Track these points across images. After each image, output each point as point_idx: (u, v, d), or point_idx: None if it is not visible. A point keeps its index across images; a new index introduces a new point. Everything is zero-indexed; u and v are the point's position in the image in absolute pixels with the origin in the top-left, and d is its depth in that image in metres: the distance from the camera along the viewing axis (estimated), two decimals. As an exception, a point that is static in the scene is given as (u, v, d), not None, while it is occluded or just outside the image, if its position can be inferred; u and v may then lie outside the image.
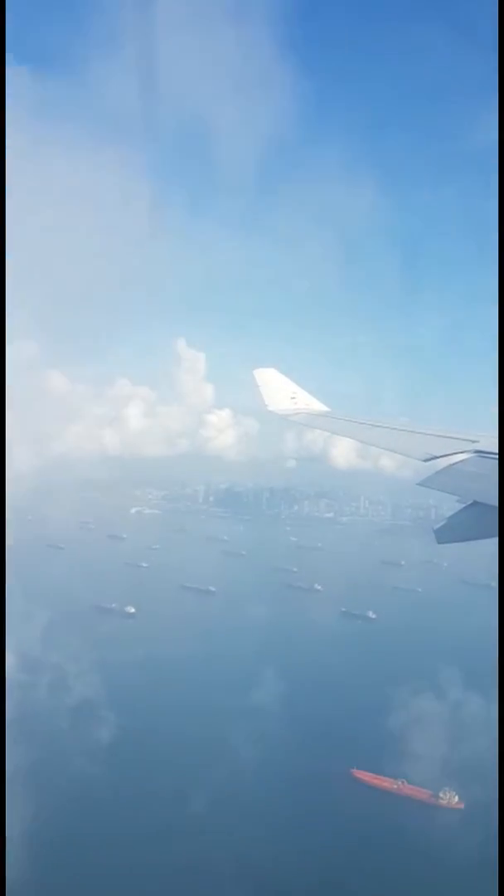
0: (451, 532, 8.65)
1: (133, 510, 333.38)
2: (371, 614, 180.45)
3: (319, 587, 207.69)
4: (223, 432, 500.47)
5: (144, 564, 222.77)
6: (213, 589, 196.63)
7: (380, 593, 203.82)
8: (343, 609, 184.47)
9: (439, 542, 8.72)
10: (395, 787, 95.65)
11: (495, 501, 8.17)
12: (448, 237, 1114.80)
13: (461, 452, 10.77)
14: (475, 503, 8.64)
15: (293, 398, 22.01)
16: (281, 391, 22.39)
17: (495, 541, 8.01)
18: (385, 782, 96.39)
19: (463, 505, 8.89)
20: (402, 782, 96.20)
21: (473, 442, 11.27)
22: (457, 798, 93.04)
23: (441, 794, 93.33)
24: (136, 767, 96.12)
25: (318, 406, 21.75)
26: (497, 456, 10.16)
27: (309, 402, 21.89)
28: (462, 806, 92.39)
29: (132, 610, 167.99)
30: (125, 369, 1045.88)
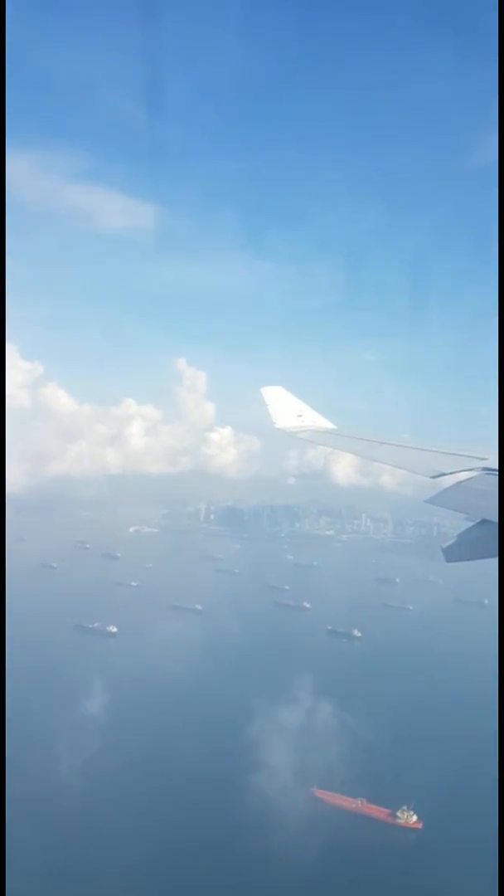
0: (460, 551, 8.42)
1: (132, 529, 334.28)
2: (356, 632, 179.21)
3: (308, 605, 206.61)
4: (225, 450, 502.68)
5: (134, 583, 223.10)
6: (199, 607, 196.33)
7: (370, 611, 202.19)
8: (329, 627, 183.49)
9: (448, 561, 8.49)
10: (355, 806, 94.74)
11: None
12: (454, 253, 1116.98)
13: (469, 470, 10.66)
14: (484, 521, 8.45)
15: (300, 416, 22.28)
16: (288, 409, 22.55)
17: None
18: (345, 802, 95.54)
19: (471, 523, 8.73)
20: (362, 801, 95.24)
21: (482, 459, 11.16)
22: (415, 817, 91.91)
23: (399, 813, 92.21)
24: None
25: (324, 423, 22.01)
26: None
27: (316, 420, 22.14)
28: (420, 826, 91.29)
29: (114, 629, 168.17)
30: (131, 388, 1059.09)
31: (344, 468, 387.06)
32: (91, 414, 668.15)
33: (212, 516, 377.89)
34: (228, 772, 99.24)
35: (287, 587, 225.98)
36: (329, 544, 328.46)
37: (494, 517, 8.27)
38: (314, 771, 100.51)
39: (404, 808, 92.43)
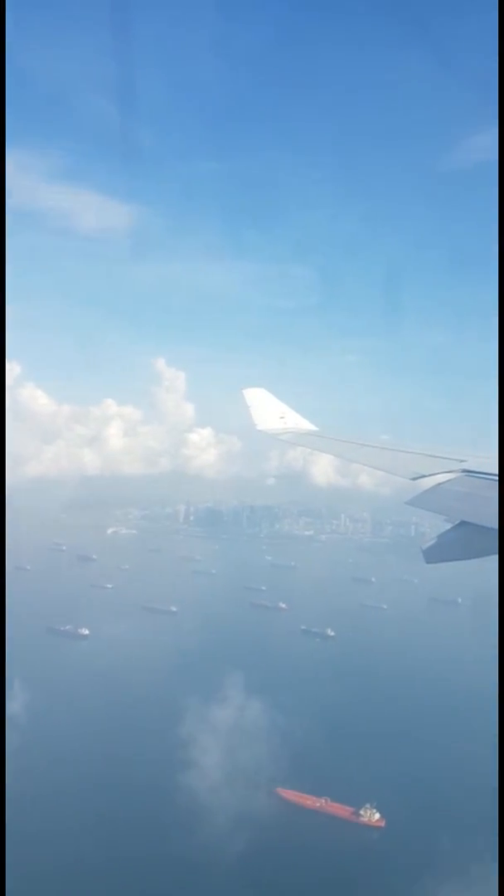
0: (440, 552, 8.51)
1: (109, 531, 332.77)
2: (330, 632, 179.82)
3: (284, 605, 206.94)
4: (205, 451, 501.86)
5: (109, 585, 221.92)
6: (174, 609, 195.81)
7: (345, 611, 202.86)
8: (303, 627, 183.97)
9: (428, 563, 8.54)
10: (319, 805, 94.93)
11: (484, 521, 8.18)
12: (433, 253, 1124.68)
13: (449, 472, 10.72)
14: (463, 523, 8.55)
15: (282, 418, 22.27)
16: (270, 411, 22.58)
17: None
18: (309, 800, 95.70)
19: (451, 525, 8.80)
20: (326, 800, 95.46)
21: (461, 461, 11.24)
22: (377, 815, 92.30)
23: (362, 812, 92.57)
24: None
25: (306, 425, 22.01)
26: (486, 476, 10.08)
27: (298, 422, 22.14)
28: (383, 824, 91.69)
29: (86, 632, 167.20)
30: (111, 389, 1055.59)
31: (323, 469, 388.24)
32: (70, 414, 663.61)
33: (191, 517, 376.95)
34: (174, 772, 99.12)
35: (264, 588, 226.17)
36: (308, 544, 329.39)
37: (473, 519, 8.42)
38: (264, 769, 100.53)
39: (367, 806, 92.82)
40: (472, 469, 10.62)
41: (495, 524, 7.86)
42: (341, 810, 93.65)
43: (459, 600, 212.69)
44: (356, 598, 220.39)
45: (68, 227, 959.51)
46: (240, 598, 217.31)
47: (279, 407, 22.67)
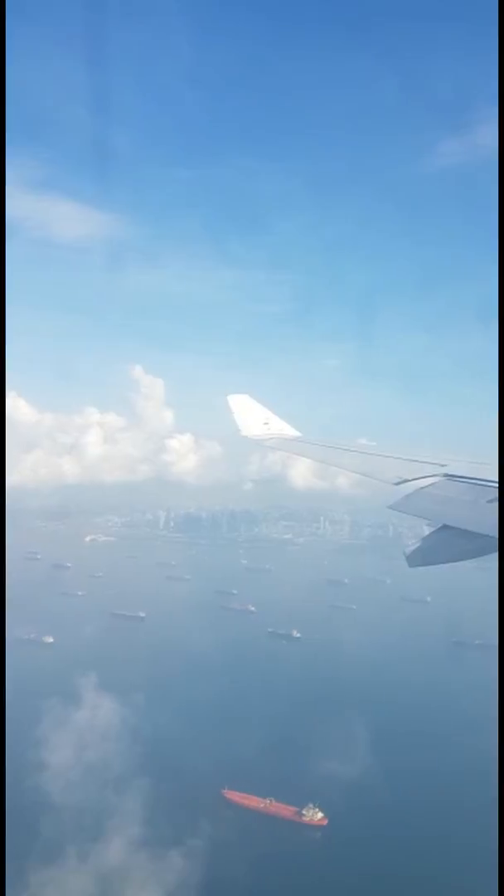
0: (422, 556, 8.66)
1: (88, 538, 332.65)
2: (296, 633, 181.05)
3: (253, 608, 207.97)
4: (185, 457, 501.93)
5: (80, 593, 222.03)
6: (142, 615, 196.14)
7: (315, 612, 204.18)
8: (270, 629, 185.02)
9: (410, 566, 8.68)
10: (263, 805, 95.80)
11: (465, 525, 8.33)
12: (414, 257, 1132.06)
13: (431, 476, 10.89)
14: (445, 527, 8.67)
15: (266, 424, 22.58)
16: (254, 417, 22.83)
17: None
18: (254, 801, 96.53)
19: (432, 528, 8.90)
20: (271, 801, 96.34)
21: (442, 466, 11.38)
22: (320, 814, 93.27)
23: (304, 811, 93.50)
24: None
25: (290, 431, 22.39)
26: (467, 480, 10.24)
27: (282, 428, 22.51)
28: (325, 822, 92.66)
29: (50, 640, 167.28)
30: (93, 396, 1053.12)
31: (302, 472, 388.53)
32: (52, 423, 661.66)
33: (171, 524, 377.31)
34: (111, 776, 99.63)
35: (235, 591, 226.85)
36: (285, 548, 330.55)
37: (455, 523, 8.61)
38: (204, 770, 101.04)
39: (310, 805, 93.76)
40: (453, 473, 10.81)
41: (477, 528, 8.13)
42: (285, 810, 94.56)
43: (428, 599, 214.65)
44: (327, 599, 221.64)
45: (46, 236, 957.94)
46: (210, 602, 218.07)
47: (263, 413, 23.04)
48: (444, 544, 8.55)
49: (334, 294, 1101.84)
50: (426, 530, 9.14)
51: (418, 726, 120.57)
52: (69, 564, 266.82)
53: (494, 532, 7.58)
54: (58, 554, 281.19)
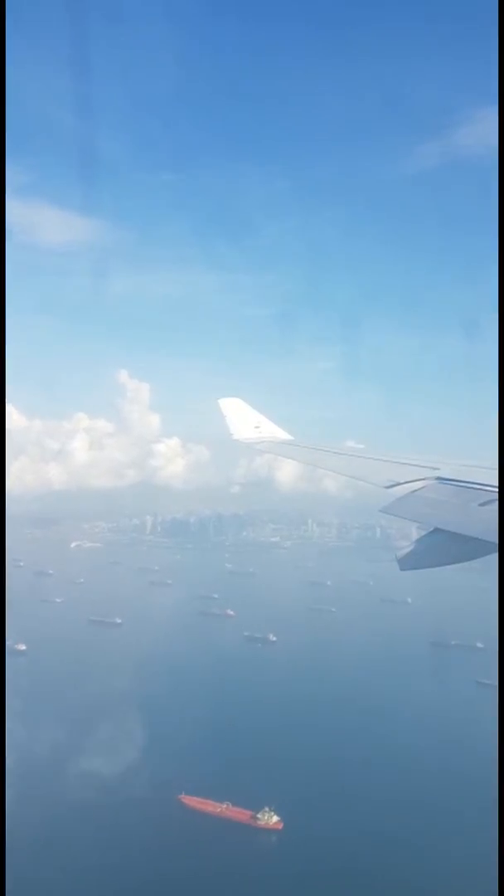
0: (414, 559, 8.65)
1: (73, 545, 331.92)
2: (272, 637, 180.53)
3: (232, 612, 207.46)
4: (172, 461, 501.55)
5: (59, 600, 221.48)
6: (119, 621, 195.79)
7: (293, 615, 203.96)
8: (246, 633, 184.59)
9: (402, 570, 8.67)
10: (219, 810, 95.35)
11: (456, 528, 8.31)
12: (403, 258, 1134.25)
13: (422, 479, 10.86)
14: (437, 530, 8.67)
15: (258, 427, 22.44)
16: (246, 420, 22.72)
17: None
18: (210, 806, 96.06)
19: (424, 531, 8.91)
20: (227, 805, 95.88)
21: (434, 469, 11.37)
22: (275, 818, 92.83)
23: (259, 815, 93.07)
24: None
25: (282, 435, 22.25)
26: (459, 483, 10.20)
27: (273, 431, 22.33)
28: (280, 826, 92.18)
29: (22, 647, 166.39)
30: (84, 402, 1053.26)
31: (290, 475, 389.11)
32: (41, 429, 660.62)
33: (158, 528, 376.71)
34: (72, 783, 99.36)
35: (216, 596, 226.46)
36: (272, 551, 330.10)
37: (447, 526, 8.57)
38: (161, 776, 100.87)
39: (266, 809, 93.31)
40: (445, 477, 10.76)
41: (469, 531, 8.11)
42: (241, 814, 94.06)
43: (409, 600, 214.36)
44: (307, 602, 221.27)
45: (32, 242, 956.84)
46: (190, 606, 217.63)
47: (255, 416, 22.91)
48: (437, 548, 8.57)
49: (324, 297, 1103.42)
50: (414, 532, 9.31)
51: (375, 726, 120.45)
52: (51, 571, 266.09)
53: (487, 536, 7.59)
54: (42, 561, 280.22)
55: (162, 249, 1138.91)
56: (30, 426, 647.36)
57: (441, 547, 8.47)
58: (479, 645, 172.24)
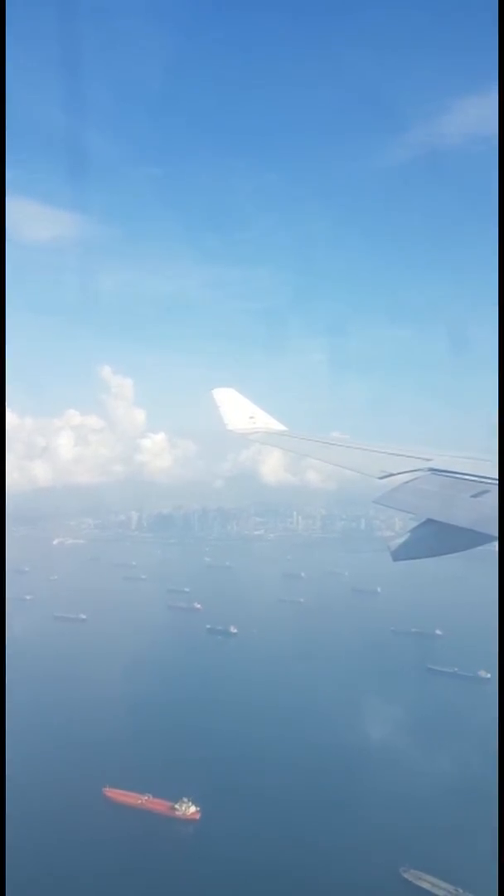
0: (407, 550, 8.75)
1: (55, 541, 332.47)
2: (233, 629, 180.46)
3: (199, 606, 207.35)
4: (159, 456, 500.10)
5: (29, 597, 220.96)
6: (84, 617, 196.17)
7: (260, 607, 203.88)
8: (209, 626, 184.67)
9: (395, 560, 8.74)
10: (140, 802, 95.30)
11: (450, 519, 8.37)
12: (394, 248, 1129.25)
13: (415, 471, 10.92)
14: (429, 521, 8.74)
15: (252, 418, 22.46)
16: (240, 411, 22.76)
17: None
18: (131, 798, 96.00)
19: (416, 523, 8.97)
20: (148, 797, 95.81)
21: (427, 460, 11.43)
22: (193, 808, 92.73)
23: (177, 806, 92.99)
24: None
25: (276, 426, 22.22)
26: (451, 474, 10.24)
27: (267, 422, 22.33)
28: (198, 816, 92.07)
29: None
30: (75, 398, 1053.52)
31: (276, 468, 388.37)
32: (32, 427, 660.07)
33: (143, 524, 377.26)
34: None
35: (187, 590, 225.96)
36: (254, 544, 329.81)
37: (440, 517, 8.61)
38: (88, 767, 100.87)
39: (184, 799, 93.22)
40: (437, 468, 10.82)
41: (461, 522, 8.17)
42: (160, 805, 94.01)
43: (378, 590, 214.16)
44: (278, 593, 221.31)
45: (16, 238, 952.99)
46: (160, 601, 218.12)
47: (249, 407, 22.92)
48: (429, 539, 8.61)
49: (315, 290, 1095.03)
50: (398, 523, 9.27)
51: (313, 714, 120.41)
52: (27, 569, 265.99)
53: (479, 527, 7.60)
54: (19, 558, 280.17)
55: (150, 244, 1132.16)
56: (20, 424, 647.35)
57: (434, 537, 8.54)
58: (438, 632, 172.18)
